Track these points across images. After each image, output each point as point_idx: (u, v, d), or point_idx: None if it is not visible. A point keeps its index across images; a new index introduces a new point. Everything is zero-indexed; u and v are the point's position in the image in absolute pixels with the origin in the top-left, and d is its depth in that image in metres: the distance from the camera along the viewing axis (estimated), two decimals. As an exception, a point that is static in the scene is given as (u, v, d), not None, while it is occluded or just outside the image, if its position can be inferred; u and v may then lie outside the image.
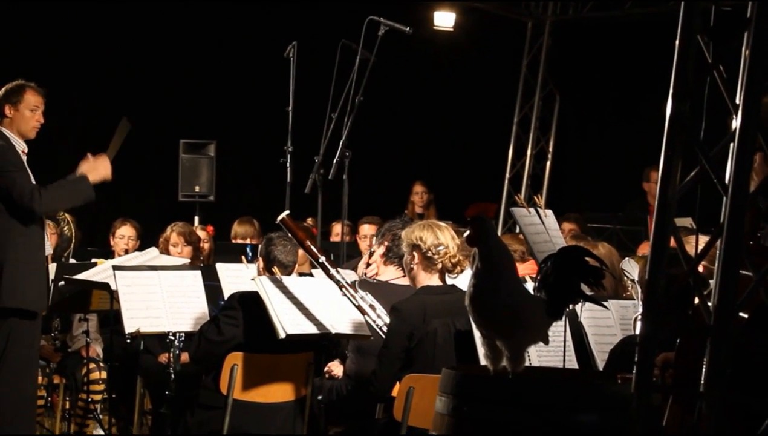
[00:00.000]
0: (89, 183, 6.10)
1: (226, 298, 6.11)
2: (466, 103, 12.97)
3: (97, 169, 6.15)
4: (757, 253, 3.73)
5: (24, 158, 6.03)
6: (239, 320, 5.71)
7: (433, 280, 5.35)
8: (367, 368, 5.58)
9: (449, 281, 5.46)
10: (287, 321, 5.55)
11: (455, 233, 5.44)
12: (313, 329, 5.62)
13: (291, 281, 5.79)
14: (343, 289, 5.63)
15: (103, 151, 6.22)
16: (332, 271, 5.68)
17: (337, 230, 8.89)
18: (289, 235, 5.82)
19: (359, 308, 5.59)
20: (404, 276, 5.72)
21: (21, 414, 5.92)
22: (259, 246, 6.12)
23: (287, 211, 5.79)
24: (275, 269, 5.88)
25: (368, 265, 6.30)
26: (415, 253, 5.34)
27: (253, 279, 5.76)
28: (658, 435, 3.66)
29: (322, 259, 5.72)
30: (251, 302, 5.74)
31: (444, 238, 5.32)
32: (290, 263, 5.95)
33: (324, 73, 7.54)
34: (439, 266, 5.34)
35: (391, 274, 5.97)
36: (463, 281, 5.54)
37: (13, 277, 5.88)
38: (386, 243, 5.98)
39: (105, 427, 7.23)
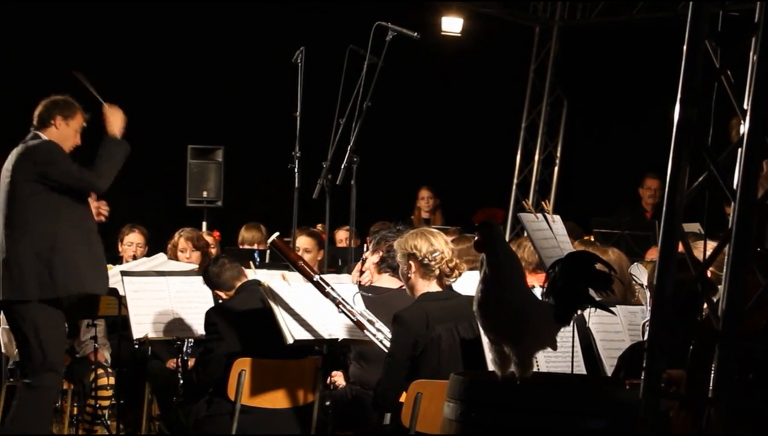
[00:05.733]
0: (118, 138, 6.13)
1: None
2: (474, 109, 12.96)
3: (113, 122, 6.17)
4: (765, 258, 3.72)
5: None
6: (221, 333, 5.84)
7: (432, 286, 5.33)
8: (371, 375, 5.57)
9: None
10: (295, 327, 5.56)
11: (462, 238, 5.43)
12: (320, 335, 5.63)
13: (298, 288, 5.78)
14: (340, 306, 5.58)
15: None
16: (327, 289, 5.60)
17: (345, 236, 8.89)
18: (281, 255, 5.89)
19: (358, 323, 5.55)
20: (402, 286, 5.72)
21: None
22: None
23: (277, 233, 5.74)
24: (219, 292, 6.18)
25: (362, 272, 6.28)
26: (411, 262, 5.31)
27: (261, 285, 5.77)
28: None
29: (317, 278, 5.63)
30: (225, 310, 5.94)
31: (438, 244, 5.31)
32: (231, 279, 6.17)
33: (332, 78, 7.54)
34: (437, 271, 5.31)
35: (385, 282, 5.97)
36: (460, 284, 5.54)
37: (69, 264, 5.90)
38: (381, 253, 5.99)
39: (113, 433, 7.23)
